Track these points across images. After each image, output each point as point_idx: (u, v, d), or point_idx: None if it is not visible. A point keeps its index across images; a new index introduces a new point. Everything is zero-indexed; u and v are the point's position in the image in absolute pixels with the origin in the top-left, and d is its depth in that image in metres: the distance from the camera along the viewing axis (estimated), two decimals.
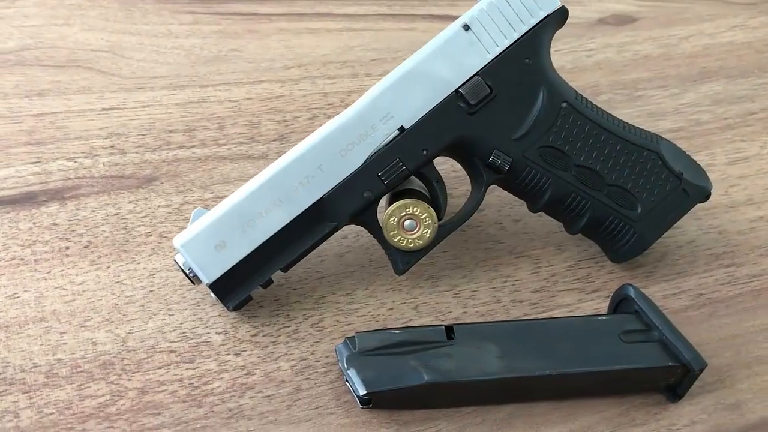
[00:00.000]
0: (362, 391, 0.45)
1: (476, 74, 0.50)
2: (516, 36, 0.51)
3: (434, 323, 0.51)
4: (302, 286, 0.53)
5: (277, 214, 0.48)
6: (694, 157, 0.61)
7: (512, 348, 0.47)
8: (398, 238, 0.50)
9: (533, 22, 0.52)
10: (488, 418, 0.47)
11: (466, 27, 0.51)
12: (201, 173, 0.59)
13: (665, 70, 0.74)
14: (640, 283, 0.56)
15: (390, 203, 0.51)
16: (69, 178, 0.57)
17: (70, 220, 0.54)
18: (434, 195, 0.52)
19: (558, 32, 0.72)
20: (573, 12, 0.76)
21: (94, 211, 0.55)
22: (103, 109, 0.62)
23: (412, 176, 0.52)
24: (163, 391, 0.46)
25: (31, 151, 0.58)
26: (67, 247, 0.53)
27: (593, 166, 0.52)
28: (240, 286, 0.48)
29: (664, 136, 0.57)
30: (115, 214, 0.55)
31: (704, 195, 0.54)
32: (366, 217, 0.50)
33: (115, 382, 0.46)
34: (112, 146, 0.60)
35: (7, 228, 0.53)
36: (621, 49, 0.76)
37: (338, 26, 0.74)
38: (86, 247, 0.53)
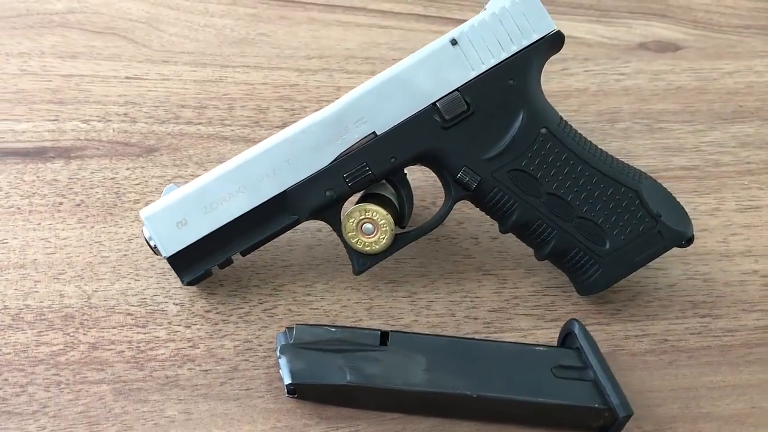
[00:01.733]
0: (288, 381, 0.47)
1: (456, 90, 0.51)
2: (504, 56, 0.51)
3: (382, 326, 0.53)
4: (266, 271, 0.55)
5: (239, 200, 0.50)
6: (701, 199, 0.60)
7: (441, 363, 0.48)
8: (356, 239, 0.51)
9: (524, 44, 0.51)
10: (409, 428, 0.49)
11: (454, 42, 0.51)
12: (200, 150, 0.62)
13: (696, 105, 0.71)
14: (604, 320, 0.55)
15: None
16: (79, 139, 0.61)
17: (69, 178, 0.58)
18: (400, 203, 0.53)
19: (589, 53, 0.72)
20: (614, 33, 0.75)
21: (93, 172, 0.59)
22: (126, 78, 0.66)
23: (385, 182, 0.53)
24: (111, 349, 0.50)
25: (52, 109, 0.63)
26: (61, 203, 0.57)
27: (564, 195, 0.52)
28: (196, 264, 0.51)
29: (675, 173, 0.56)
30: (111, 179, 0.59)
31: (681, 240, 0.53)
32: (328, 215, 0.52)
33: (71, 334, 0.50)
34: (125, 114, 0.63)
35: (12, 178, 0.58)
36: (654, 77, 0.73)
37: (368, 22, 0.75)
38: (78, 205, 0.57)
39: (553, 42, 0.52)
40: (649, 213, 0.52)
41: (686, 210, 0.54)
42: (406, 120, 0.51)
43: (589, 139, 0.65)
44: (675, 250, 0.57)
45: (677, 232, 0.53)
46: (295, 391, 0.48)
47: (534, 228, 0.52)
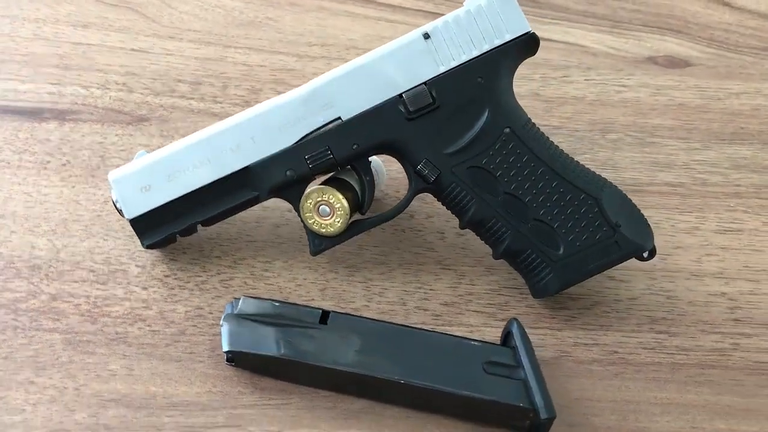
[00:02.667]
0: (225, 348, 0.49)
1: (423, 83, 0.52)
2: (475, 54, 0.52)
3: (332, 307, 0.54)
4: (229, 244, 0.57)
5: (203, 171, 0.52)
6: (681, 217, 0.60)
7: (375, 347, 0.48)
8: (312, 220, 0.53)
9: (496, 43, 0.52)
10: (340, 407, 0.50)
11: (426, 35, 0.52)
12: (188, 123, 0.64)
13: (695, 122, 0.70)
14: (557, 325, 0.55)
15: None
16: (76, 103, 0.64)
17: (61, 139, 0.61)
18: (362, 189, 0.54)
19: (593, 62, 0.71)
20: (623, 45, 0.75)
21: (84, 135, 0.62)
22: (131, 50, 0.69)
23: (351, 168, 0.54)
24: (69, 302, 0.52)
25: (56, 73, 0.66)
26: (49, 162, 0.60)
27: (522, 197, 0.52)
28: (157, 228, 0.53)
29: (659, 188, 0.57)
30: (99, 143, 0.62)
31: (639, 252, 0.52)
32: (289, 195, 0.53)
33: (35, 284, 0.53)
34: (124, 83, 0.66)
35: (8, 134, 0.61)
36: (656, 92, 0.73)
37: (377, 15, 0.76)
38: (64, 165, 0.60)
39: (527, 44, 0.53)
40: (608, 222, 0.52)
41: (666, 226, 0.54)
42: (371, 108, 0.52)
43: (577, 147, 0.65)
44: (642, 265, 0.57)
45: (635, 244, 0.52)
46: (233, 359, 0.49)
47: (489, 226, 0.53)
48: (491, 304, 0.56)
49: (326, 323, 0.49)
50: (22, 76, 0.65)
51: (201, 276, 0.55)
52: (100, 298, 0.53)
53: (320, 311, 0.50)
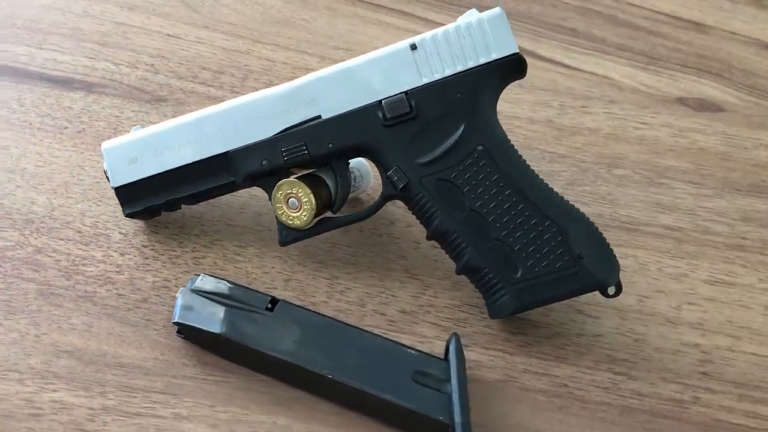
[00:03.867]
0: (174, 319, 0.51)
1: (404, 92, 0.53)
2: (459, 69, 0.53)
3: (291, 298, 0.55)
4: (210, 225, 0.59)
5: (187, 151, 0.55)
6: (671, 261, 0.59)
7: (314, 340, 0.50)
8: (281, 211, 0.55)
9: (481, 61, 0.53)
10: (274, 393, 0.51)
11: (413, 47, 0.53)
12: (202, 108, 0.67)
13: (712, 170, 0.68)
14: (510, 349, 0.55)
15: None
16: (105, 78, 0.69)
17: (82, 109, 0.66)
18: (335, 189, 0.56)
19: (618, 96, 0.71)
20: (654, 83, 0.74)
21: (104, 108, 0.66)
22: (167, 35, 0.73)
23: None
24: (51, 257, 0.56)
25: (94, 48, 0.71)
26: (66, 128, 0.64)
27: (486, 215, 0.52)
28: (138, 200, 0.56)
29: (655, 230, 0.59)
30: (115, 116, 0.66)
31: (599, 287, 0.52)
32: (264, 183, 0.55)
33: (26, 236, 0.57)
34: (152, 65, 0.70)
35: (37, 98, 0.66)
36: (678, 133, 0.71)
37: (407, 26, 0.78)
38: (79, 132, 0.64)
39: (514, 65, 0.53)
40: (570, 252, 0.51)
41: (652, 269, 0.56)
42: (350, 111, 0.53)
43: (578, 179, 0.65)
44: (615, 303, 0.56)
45: (596, 278, 0.51)
46: (181, 332, 0.52)
47: (451, 240, 0.53)
48: (449, 318, 0.56)
49: (272, 311, 0.51)
50: (63, 47, 0.70)
51: (176, 251, 0.57)
52: (79, 258, 0.56)
53: (269, 298, 0.51)
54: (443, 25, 0.71)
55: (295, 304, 0.52)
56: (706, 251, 0.62)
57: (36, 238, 0.57)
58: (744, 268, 0.61)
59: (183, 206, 0.59)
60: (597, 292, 0.54)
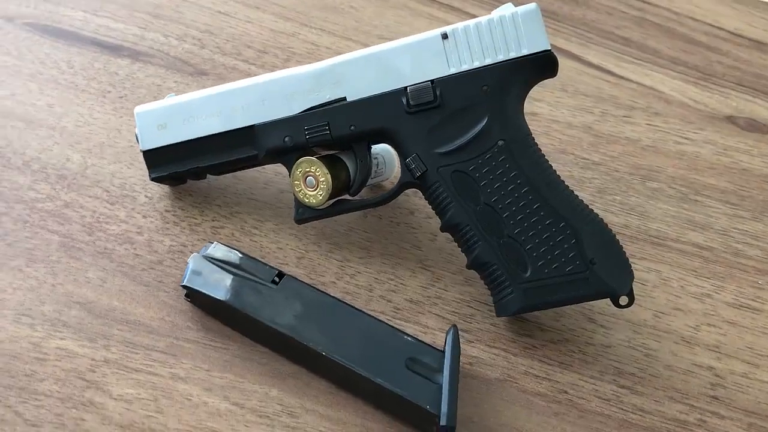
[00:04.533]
0: (182, 282, 0.52)
1: (430, 81, 0.53)
2: (488, 62, 0.52)
3: (302, 276, 0.56)
4: (232, 197, 0.61)
5: (214, 121, 0.56)
6: (695, 281, 0.58)
7: (313, 316, 0.50)
8: (299, 189, 0.55)
9: (511, 55, 0.52)
10: (272, 365, 0.52)
11: (445, 36, 0.53)
12: None
13: (753, 192, 0.66)
14: (513, 350, 0.54)
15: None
16: (152, 48, 0.71)
17: (127, 75, 0.68)
18: (355, 172, 0.56)
19: (664, 109, 0.69)
20: (705, 99, 0.72)
21: (147, 76, 0.68)
22: (218, 12, 0.75)
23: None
24: (77, 212, 0.58)
25: (146, 19, 0.73)
26: (109, 92, 0.67)
27: (501, 211, 0.52)
28: (164, 165, 0.57)
29: (683, 246, 0.58)
30: (157, 86, 0.68)
31: (610, 294, 0.50)
32: (284, 160, 0.56)
33: (57, 190, 0.59)
34: (199, 39, 0.72)
35: (86, 61, 0.68)
36: (722, 152, 0.68)
37: (457, 21, 0.77)
38: (120, 97, 0.66)
39: (543, 62, 0.52)
40: (582, 256, 0.50)
41: (675, 285, 0.56)
42: (375, 95, 0.53)
43: (609, 187, 0.63)
44: (630, 316, 0.55)
45: (607, 285, 0.50)
46: (189, 295, 0.53)
47: (463, 233, 0.52)
48: (456, 312, 0.56)
49: (278, 284, 0.51)
50: (117, 16, 0.73)
51: (197, 219, 0.59)
52: (103, 216, 0.58)
53: (276, 271, 0.52)
54: None
55: (300, 281, 0.52)
56: (735, 274, 0.60)
57: (66, 194, 0.59)
58: None
59: (209, 176, 0.60)
60: (609, 302, 0.52)
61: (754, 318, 0.57)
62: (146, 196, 0.60)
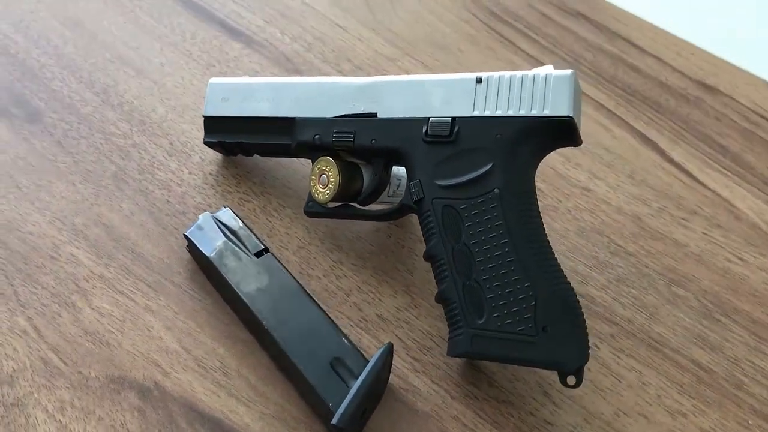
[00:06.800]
0: (185, 232, 0.58)
1: (452, 117, 0.56)
2: (509, 113, 0.54)
3: (293, 262, 0.60)
4: (269, 180, 0.66)
5: (264, 105, 0.62)
6: (676, 395, 0.56)
7: (274, 295, 0.54)
8: (313, 183, 0.60)
9: (533, 113, 0.54)
10: (230, 328, 0.56)
11: (479, 80, 0.56)
12: None
13: None
14: (455, 393, 0.55)
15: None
16: (266, 40, 0.79)
17: (234, 57, 0.77)
18: (368, 182, 0.60)
19: (729, 224, 0.67)
20: None
21: (250, 62, 0.76)
22: (336, 25, 0.82)
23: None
24: (139, 153, 0.67)
25: (272, 14, 0.82)
26: (214, 66, 0.76)
27: (475, 255, 0.53)
28: (217, 132, 0.64)
29: (679, 360, 0.57)
30: (256, 72, 0.76)
31: (553, 368, 0.50)
32: (311, 155, 0.61)
33: (133, 131, 0.68)
34: (309, 43, 0.79)
35: (207, 37, 0.78)
36: None
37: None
38: (221, 73, 0.75)
39: (561, 127, 0.53)
40: (535, 320, 0.50)
41: (651, 391, 0.54)
42: (402, 118, 0.57)
43: (628, 279, 0.62)
44: (588, 404, 0.54)
45: (552, 358, 0.50)
46: (189, 246, 0.59)
47: (438, 264, 0.54)
48: (416, 341, 0.57)
49: (258, 257, 0.56)
50: (250, 6, 0.82)
51: (231, 188, 0.65)
52: (158, 162, 0.66)
53: (262, 247, 0.57)
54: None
55: (280, 262, 0.56)
56: (726, 404, 0.56)
57: (138, 136, 0.68)
58: None
59: (256, 156, 0.66)
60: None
61: None
62: (200, 157, 0.67)
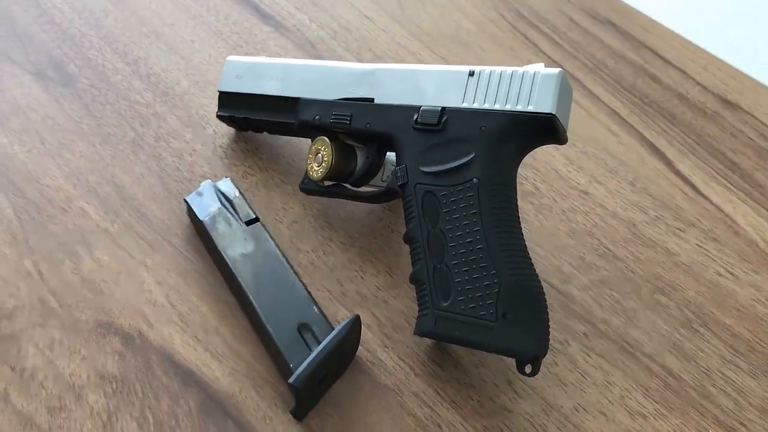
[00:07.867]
0: (185, 197, 0.62)
1: (442, 107, 0.58)
2: (496, 107, 0.56)
3: (286, 235, 0.63)
4: (276, 157, 0.70)
5: (273, 85, 0.66)
6: (642, 398, 0.58)
7: (256, 261, 0.57)
8: (309, 161, 0.63)
9: (518, 108, 0.55)
10: (216, 290, 0.60)
11: (471, 73, 0.58)
12: None
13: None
14: (419, 371, 0.57)
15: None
16: (294, 26, 0.82)
17: (262, 40, 0.80)
18: (361, 165, 0.62)
19: (727, 239, 0.68)
20: None
21: (276, 45, 0.80)
22: (365, 16, 0.84)
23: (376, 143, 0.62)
24: (158, 122, 0.71)
25: (305, 2, 0.85)
26: (241, 47, 0.79)
27: (448, 240, 0.55)
28: (229, 107, 0.68)
29: (649, 365, 0.58)
30: (276, 54, 0.79)
31: (510, 354, 0.52)
32: (310, 134, 0.64)
33: (156, 101, 0.73)
34: (335, 31, 0.82)
35: (239, 19, 0.82)
36: (761, 302, 0.64)
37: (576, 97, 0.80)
38: (247, 53, 0.79)
39: (543, 124, 0.55)
40: (496, 307, 0.52)
41: (615, 391, 0.55)
42: (396, 104, 0.59)
43: (610, 282, 0.63)
44: (548, 396, 0.56)
45: (508, 344, 0.52)
46: (189, 211, 0.63)
47: (414, 246, 0.56)
48: (391, 319, 0.59)
49: (247, 225, 0.59)
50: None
51: (237, 162, 0.69)
52: (174, 131, 0.70)
53: (254, 216, 0.60)
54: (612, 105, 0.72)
55: (268, 232, 0.59)
56: (689, 412, 0.56)
57: (160, 106, 0.72)
58: None
59: (266, 134, 0.69)
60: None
61: None
62: (214, 131, 0.71)
